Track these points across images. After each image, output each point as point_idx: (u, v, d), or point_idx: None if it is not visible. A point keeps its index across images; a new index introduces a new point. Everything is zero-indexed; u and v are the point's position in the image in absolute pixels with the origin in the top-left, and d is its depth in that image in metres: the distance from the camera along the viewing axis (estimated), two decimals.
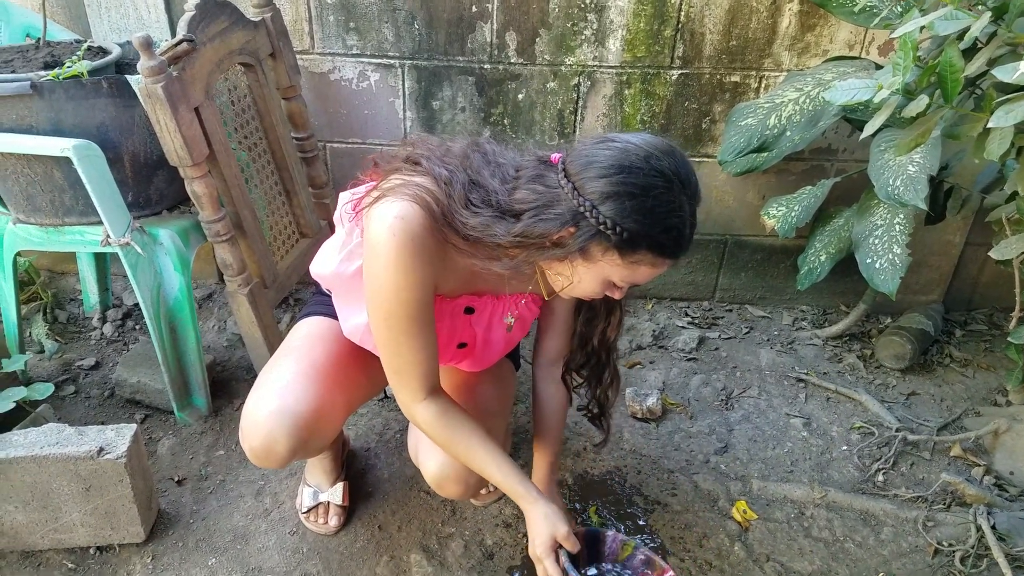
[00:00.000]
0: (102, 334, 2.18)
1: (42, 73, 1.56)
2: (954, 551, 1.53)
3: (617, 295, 1.18)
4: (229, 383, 1.98)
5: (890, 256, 1.69)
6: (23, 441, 1.46)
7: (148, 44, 1.46)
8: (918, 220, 1.88)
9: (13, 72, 1.61)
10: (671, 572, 1.24)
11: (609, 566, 1.31)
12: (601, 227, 1.03)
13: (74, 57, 1.62)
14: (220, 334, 2.17)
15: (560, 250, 1.08)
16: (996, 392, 2.01)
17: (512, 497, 1.27)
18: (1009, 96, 1.08)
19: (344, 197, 1.30)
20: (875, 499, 1.66)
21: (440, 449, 1.31)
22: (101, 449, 1.44)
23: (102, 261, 2.21)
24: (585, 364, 1.45)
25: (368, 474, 1.72)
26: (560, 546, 1.22)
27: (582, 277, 1.12)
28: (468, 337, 1.36)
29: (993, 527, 1.54)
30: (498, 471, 1.25)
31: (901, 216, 1.72)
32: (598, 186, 1.03)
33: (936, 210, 1.85)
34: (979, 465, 1.74)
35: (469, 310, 1.31)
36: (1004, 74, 1.02)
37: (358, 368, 1.43)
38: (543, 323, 1.46)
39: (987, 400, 1.99)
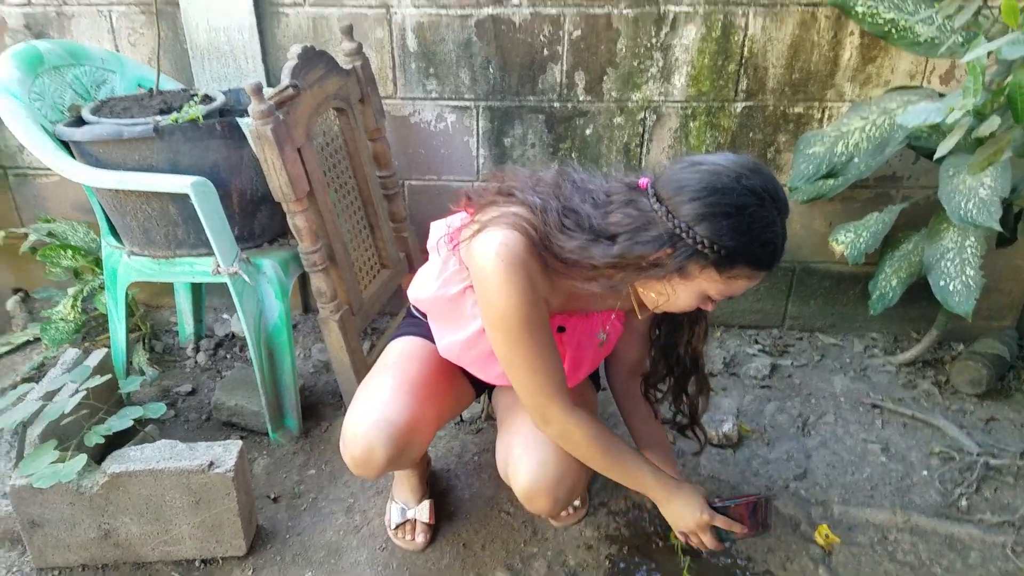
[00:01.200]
0: (196, 363, 2.32)
1: (160, 118, 1.72)
2: None
3: (711, 307, 1.24)
4: (316, 407, 2.08)
5: (963, 278, 1.72)
6: (140, 456, 1.57)
7: (259, 90, 1.60)
8: (989, 242, 1.90)
9: (132, 118, 1.77)
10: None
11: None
12: (699, 247, 1.10)
13: (191, 103, 1.77)
14: (306, 361, 2.29)
15: (659, 270, 1.15)
16: None
17: (656, 497, 1.39)
18: None
19: (438, 227, 1.40)
20: (960, 524, 1.66)
21: (530, 464, 1.37)
22: (211, 463, 1.55)
23: (197, 294, 2.36)
24: (668, 375, 1.51)
25: (450, 494, 1.79)
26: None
27: (679, 294, 1.19)
28: (560, 355, 1.43)
29: None
30: (648, 472, 1.37)
31: (972, 239, 1.74)
32: (693, 208, 1.11)
33: (1008, 232, 1.86)
34: None
35: (561, 329, 1.39)
36: None
37: (447, 385, 1.53)
38: (621, 338, 1.53)
39: None
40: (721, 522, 1.37)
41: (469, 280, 1.30)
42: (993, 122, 1.24)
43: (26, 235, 2.35)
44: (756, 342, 2.35)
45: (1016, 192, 1.87)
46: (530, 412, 1.32)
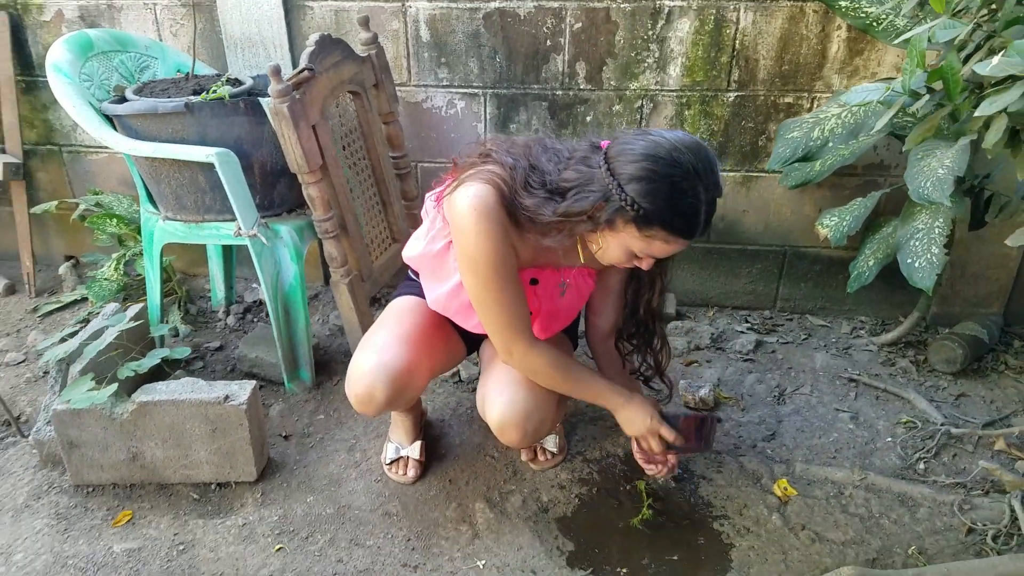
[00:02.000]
0: (226, 324, 2.53)
1: (192, 97, 1.93)
2: (987, 530, 1.61)
3: (643, 266, 1.39)
4: (329, 364, 2.27)
5: (928, 256, 1.81)
6: (165, 389, 1.78)
7: (277, 71, 1.79)
8: (962, 226, 1.99)
9: (170, 97, 1.99)
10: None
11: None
12: (624, 204, 1.26)
13: (218, 83, 1.98)
14: (323, 326, 2.48)
15: (592, 223, 1.31)
16: None
17: (611, 405, 1.56)
18: (995, 88, 1.24)
19: (429, 196, 1.58)
20: (914, 484, 1.76)
21: (502, 400, 1.54)
22: (227, 397, 1.74)
23: (228, 262, 2.58)
24: (635, 333, 1.67)
25: (442, 440, 1.96)
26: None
27: (610, 246, 1.36)
28: (534, 307, 1.58)
29: None
30: (603, 387, 1.56)
31: (940, 220, 1.84)
32: (628, 170, 1.26)
33: (977, 215, 1.95)
34: (1022, 458, 1.81)
35: (534, 281, 1.56)
36: (981, 68, 1.18)
37: (441, 338, 1.72)
38: (596, 299, 1.68)
39: None
40: (667, 431, 1.53)
41: (451, 236, 1.47)
42: (923, 100, 1.35)
43: (76, 205, 2.60)
44: (746, 321, 2.47)
45: (989, 178, 1.96)
46: (497, 348, 1.49)
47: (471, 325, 1.61)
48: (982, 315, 2.35)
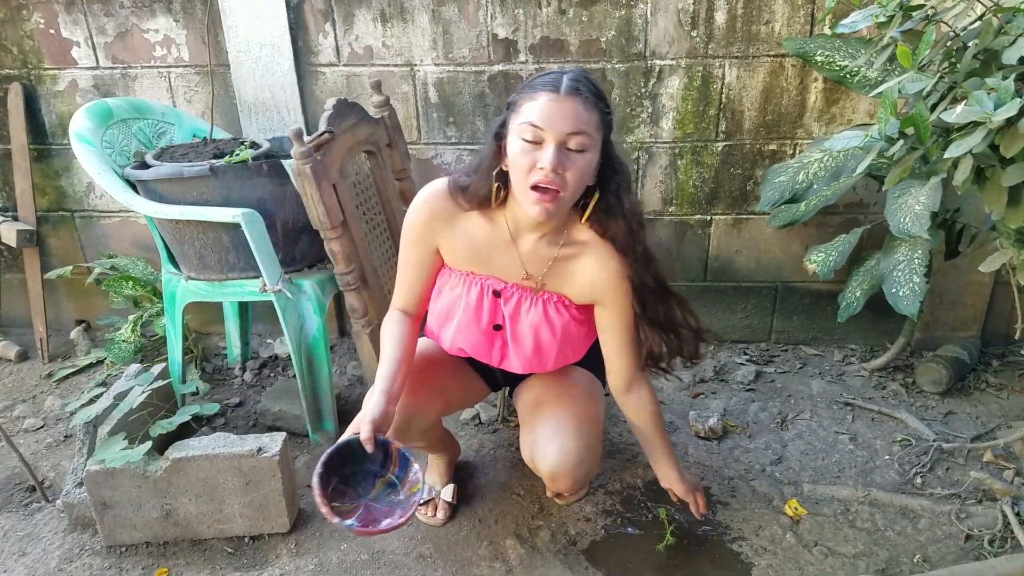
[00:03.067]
0: (243, 380, 2.60)
1: (216, 161, 2.03)
2: (983, 536, 1.73)
3: (544, 159, 1.34)
4: (350, 413, 2.29)
5: (911, 285, 1.96)
6: (198, 444, 1.84)
7: (300, 135, 1.90)
8: (938, 256, 2.14)
9: (190, 162, 2.09)
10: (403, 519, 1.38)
11: (382, 480, 1.47)
12: (505, 109, 1.43)
13: (241, 147, 2.09)
14: (341, 376, 2.56)
15: (497, 144, 1.45)
16: None
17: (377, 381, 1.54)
18: (960, 133, 1.39)
19: None
20: (913, 497, 1.89)
21: (553, 449, 1.58)
22: (260, 449, 1.81)
23: (244, 319, 2.66)
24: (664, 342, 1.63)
25: (468, 481, 2.04)
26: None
27: (511, 154, 1.39)
28: (500, 319, 1.59)
29: (1018, 514, 1.73)
30: (384, 364, 1.55)
31: (919, 252, 1.99)
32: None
33: (951, 246, 2.11)
34: (1009, 468, 1.94)
35: (496, 293, 1.58)
36: (947, 116, 1.33)
37: (455, 378, 1.79)
38: (605, 351, 1.66)
39: (1021, 417, 2.18)
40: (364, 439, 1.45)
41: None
42: (898, 145, 1.51)
43: (89, 270, 2.67)
44: (745, 353, 2.60)
45: (959, 212, 2.13)
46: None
47: (495, 361, 1.67)
48: (961, 338, 2.51)
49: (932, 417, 2.22)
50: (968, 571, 1.57)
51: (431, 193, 1.56)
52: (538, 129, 1.35)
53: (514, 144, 1.39)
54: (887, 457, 2.05)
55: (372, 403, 1.46)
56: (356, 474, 1.46)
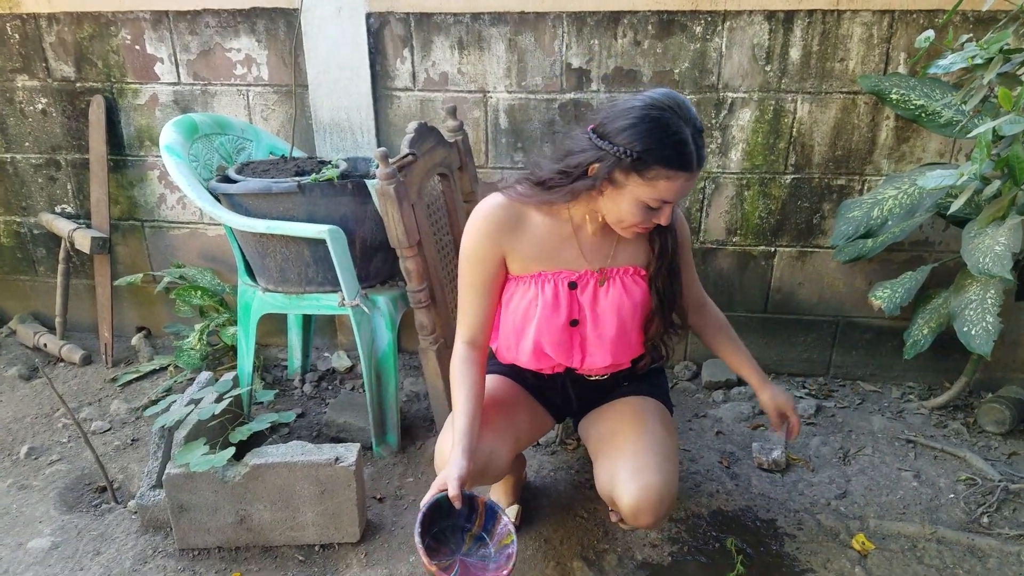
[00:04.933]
0: (303, 392, 2.65)
1: (301, 178, 2.09)
2: None
3: (661, 220, 1.46)
4: (410, 429, 2.38)
5: (984, 324, 1.96)
6: (276, 452, 1.88)
7: (386, 156, 1.96)
8: (1008, 296, 2.15)
9: (272, 178, 2.15)
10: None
11: (470, 535, 1.52)
12: (617, 154, 1.38)
13: (328, 166, 2.15)
14: (400, 392, 2.60)
15: (592, 180, 1.43)
16: None
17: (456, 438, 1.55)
18: None
19: None
20: (981, 536, 1.88)
21: (636, 486, 1.57)
22: (337, 458, 1.84)
23: (307, 333, 2.71)
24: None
25: (530, 502, 2.05)
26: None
27: (619, 205, 1.44)
28: (577, 313, 1.61)
29: None
30: (461, 417, 1.56)
31: (992, 291, 2.00)
32: (614, 126, 1.39)
33: (1022, 286, 2.11)
34: None
35: (572, 285, 1.60)
36: None
37: (525, 415, 1.79)
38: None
39: None
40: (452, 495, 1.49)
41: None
42: (994, 185, 1.53)
43: (154, 279, 2.74)
44: (803, 387, 2.61)
45: None
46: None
47: (577, 362, 1.67)
48: (1021, 379, 2.50)
49: (995, 457, 2.21)
50: None
51: (490, 207, 1.58)
52: (667, 203, 1.43)
53: (630, 201, 1.43)
54: (952, 496, 2.05)
55: (455, 462, 1.48)
56: (446, 530, 1.51)
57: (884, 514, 1.99)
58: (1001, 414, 2.29)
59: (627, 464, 1.61)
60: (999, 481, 2.06)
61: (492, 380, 1.82)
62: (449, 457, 1.51)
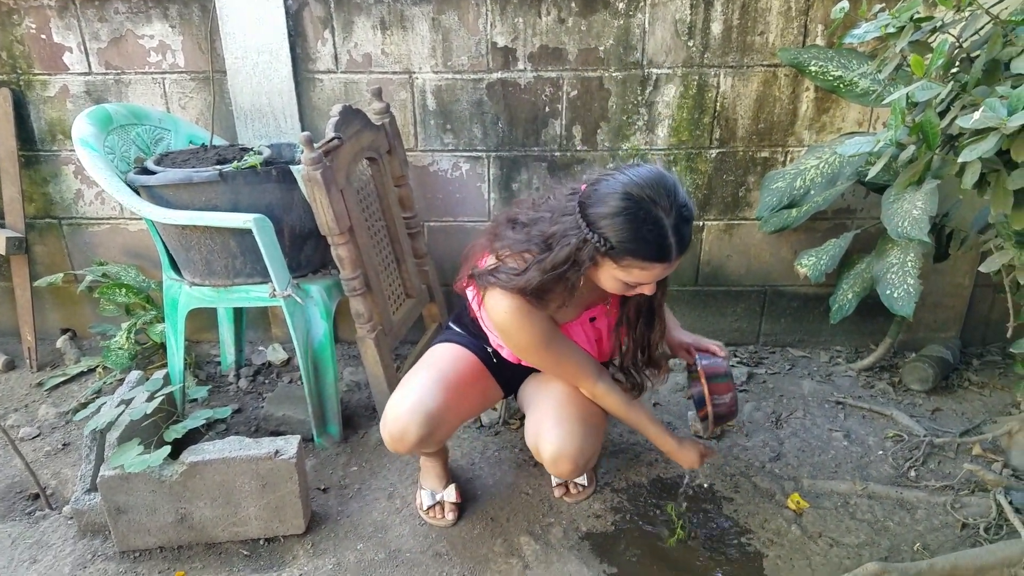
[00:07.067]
0: (239, 388, 2.59)
1: (224, 166, 2.03)
2: (979, 524, 1.82)
3: (645, 290, 1.51)
4: (352, 418, 2.36)
5: (905, 286, 2.04)
6: (213, 448, 1.83)
7: (310, 141, 1.92)
8: (927, 259, 2.24)
9: (193, 168, 2.09)
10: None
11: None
12: (596, 244, 1.41)
13: (251, 153, 2.10)
14: (340, 383, 2.56)
15: (577, 267, 1.46)
16: (1011, 407, 2.31)
17: (665, 448, 1.77)
18: (972, 139, 1.47)
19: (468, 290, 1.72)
20: (909, 489, 1.96)
21: (557, 434, 1.68)
22: (277, 451, 1.81)
23: (239, 327, 2.65)
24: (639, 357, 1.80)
25: (475, 482, 2.06)
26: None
27: (602, 280, 1.51)
28: (600, 335, 1.76)
29: (1011, 502, 1.82)
30: (650, 424, 1.75)
31: (912, 254, 2.08)
32: (595, 211, 1.41)
33: (940, 249, 2.21)
34: (997, 461, 2.04)
35: (593, 319, 1.72)
36: (965, 122, 1.41)
37: (477, 386, 1.85)
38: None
39: (1003, 413, 2.29)
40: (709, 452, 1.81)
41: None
42: (910, 150, 1.58)
43: (76, 279, 2.63)
44: (735, 355, 2.67)
45: (948, 216, 2.23)
46: (583, 391, 1.73)
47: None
48: (943, 339, 2.61)
49: (920, 414, 2.31)
50: (970, 557, 1.65)
51: (516, 309, 1.56)
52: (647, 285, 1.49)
53: (608, 278, 1.49)
54: (880, 452, 2.13)
55: (692, 449, 1.78)
56: None
57: (817, 473, 2.06)
58: (924, 372, 2.39)
59: (551, 414, 1.72)
60: (924, 436, 2.15)
61: (446, 348, 1.86)
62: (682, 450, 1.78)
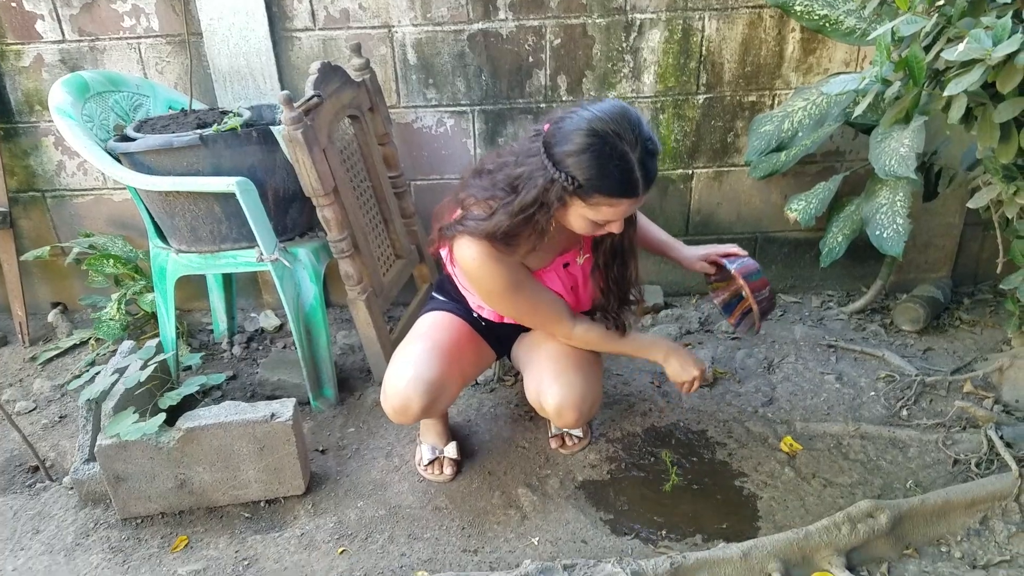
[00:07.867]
0: (232, 354, 2.59)
1: (204, 130, 2.00)
2: (970, 459, 1.84)
3: (612, 229, 1.50)
4: (347, 381, 2.36)
5: (895, 226, 2.03)
6: (209, 414, 1.84)
7: (290, 100, 1.89)
8: (916, 198, 2.23)
9: (173, 133, 2.06)
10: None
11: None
12: (563, 183, 1.38)
13: (230, 116, 2.06)
14: (334, 347, 2.57)
15: (546, 208, 1.44)
16: (1002, 344, 2.32)
17: (649, 354, 1.80)
18: (958, 72, 1.45)
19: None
20: (901, 428, 1.98)
21: (559, 386, 1.71)
22: (273, 415, 1.82)
23: (229, 294, 2.64)
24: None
25: (472, 438, 2.08)
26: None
27: (569, 221, 1.49)
28: (575, 281, 1.74)
29: (1001, 437, 1.84)
30: (633, 343, 1.78)
31: (900, 194, 2.06)
32: (560, 149, 1.38)
33: (929, 188, 2.19)
34: (988, 397, 2.05)
35: (566, 265, 1.71)
36: (949, 54, 1.39)
37: (471, 348, 1.86)
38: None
39: (994, 350, 2.30)
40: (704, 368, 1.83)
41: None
42: (895, 86, 1.56)
43: (63, 251, 2.61)
44: None
45: (936, 154, 2.21)
46: (557, 336, 1.73)
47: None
48: (934, 279, 2.62)
49: (912, 354, 2.33)
50: (961, 492, 1.67)
51: (483, 255, 1.54)
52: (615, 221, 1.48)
53: (576, 217, 1.47)
54: (872, 393, 2.15)
55: (686, 357, 1.80)
56: None
57: (809, 416, 2.08)
58: (915, 312, 2.40)
59: (548, 369, 1.75)
60: (916, 376, 2.16)
61: (435, 317, 1.88)
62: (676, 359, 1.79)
